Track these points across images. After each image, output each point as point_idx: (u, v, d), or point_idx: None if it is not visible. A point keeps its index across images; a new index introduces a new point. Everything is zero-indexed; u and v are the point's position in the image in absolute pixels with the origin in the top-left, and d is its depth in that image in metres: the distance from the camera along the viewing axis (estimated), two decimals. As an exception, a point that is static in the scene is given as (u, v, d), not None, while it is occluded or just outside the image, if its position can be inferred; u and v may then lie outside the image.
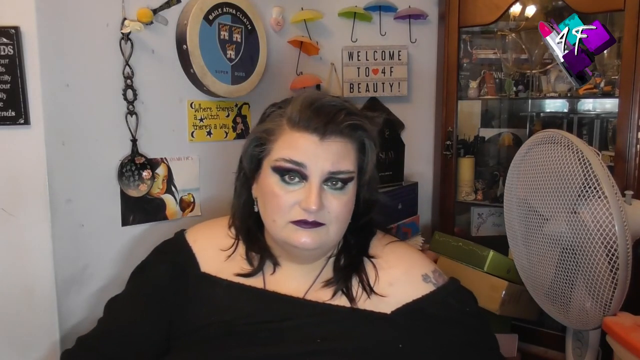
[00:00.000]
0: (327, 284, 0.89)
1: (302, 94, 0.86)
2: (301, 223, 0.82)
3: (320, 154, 0.81)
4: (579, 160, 1.24)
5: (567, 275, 1.31)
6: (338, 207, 0.83)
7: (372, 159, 0.88)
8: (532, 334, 1.72)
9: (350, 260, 0.91)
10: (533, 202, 1.40)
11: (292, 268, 0.92)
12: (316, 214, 0.81)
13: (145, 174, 1.33)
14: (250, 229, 0.93)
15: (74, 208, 1.22)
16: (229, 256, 0.95)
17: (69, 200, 1.21)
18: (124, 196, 1.30)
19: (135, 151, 1.32)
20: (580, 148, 1.24)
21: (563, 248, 1.30)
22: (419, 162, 2.04)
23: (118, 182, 1.29)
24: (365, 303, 0.88)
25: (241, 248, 0.95)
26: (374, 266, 0.90)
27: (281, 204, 0.82)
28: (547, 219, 1.35)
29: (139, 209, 1.34)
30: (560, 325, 1.46)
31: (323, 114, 0.81)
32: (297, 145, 0.82)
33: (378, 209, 0.95)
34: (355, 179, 0.86)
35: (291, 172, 0.82)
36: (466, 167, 1.99)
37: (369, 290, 0.88)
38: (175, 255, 0.98)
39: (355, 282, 0.89)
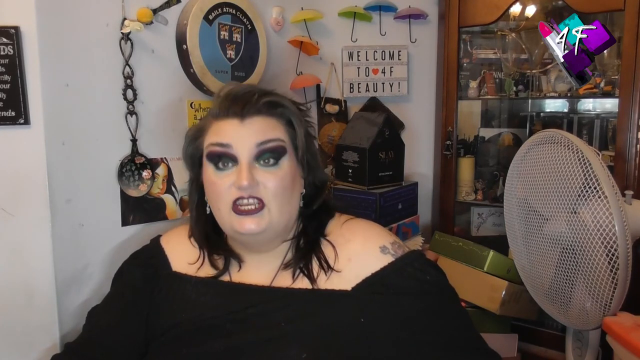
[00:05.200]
0: (287, 266, 0.91)
1: (221, 89, 0.91)
2: (239, 202, 0.83)
3: (243, 133, 0.85)
4: (579, 160, 1.24)
5: (567, 275, 1.31)
6: (273, 181, 0.85)
7: (302, 133, 0.90)
8: (532, 334, 1.72)
9: (307, 240, 0.92)
10: (533, 202, 1.40)
11: (256, 260, 0.94)
12: (251, 189, 0.83)
13: (145, 173, 1.33)
14: (208, 234, 0.96)
15: (74, 208, 1.22)
16: (199, 268, 0.97)
17: (69, 200, 1.21)
18: (124, 196, 1.30)
19: (135, 151, 1.32)
20: (580, 148, 1.24)
21: (563, 248, 1.30)
22: (419, 162, 2.04)
23: (118, 182, 1.29)
24: (326, 283, 0.88)
25: (207, 257, 0.98)
26: (332, 245, 0.91)
27: (219, 189, 0.85)
28: (547, 219, 1.35)
29: (139, 209, 1.34)
30: (560, 325, 1.46)
31: (239, 100, 0.86)
32: (221, 130, 0.86)
33: (329, 194, 0.97)
34: (290, 154, 0.88)
35: (222, 158, 0.85)
36: (466, 167, 1.99)
37: (326, 267, 0.89)
38: (148, 258, 1.02)
39: (315, 263, 0.90)
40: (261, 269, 0.93)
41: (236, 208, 0.84)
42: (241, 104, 0.86)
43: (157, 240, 1.06)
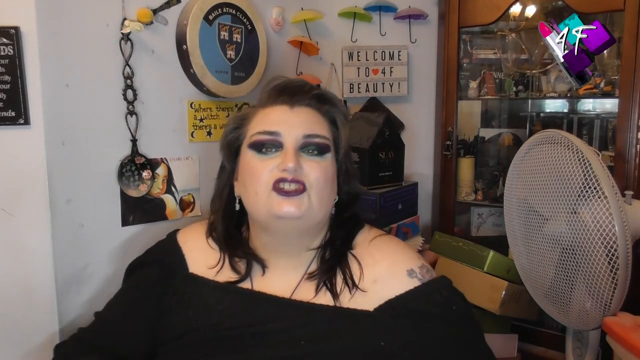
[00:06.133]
0: (311, 276, 0.88)
1: (268, 82, 0.92)
2: (281, 185, 0.81)
3: (292, 120, 0.85)
4: (579, 160, 1.24)
5: (567, 275, 1.31)
6: (317, 170, 0.83)
7: (345, 134, 0.90)
8: (532, 334, 1.72)
9: (334, 252, 0.89)
10: (533, 202, 1.40)
11: (280, 265, 0.91)
12: (294, 172, 0.81)
13: (145, 174, 1.33)
14: (232, 234, 0.93)
15: (74, 208, 1.22)
16: (218, 271, 0.94)
17: (69, 200, 1.21)
18: (123, 196, 1.30)
19: (135, 151, 1.32)
20: (580, 148, 1.24)
21: (563, 248, 1.30)
22: (419, 162, 2.04)
23: (118, 182, 1.29)
24: (349, 302, 0.86)
25: (227, 259, 0.94)
26: (358, 262, 0.89)
27: (259, 172, 0.83)
28: (547, 219, 1.35)
29: (138, 209, 1.34)
30: (560, 325, 1.46)
31: (289, 89, 0.88)
32: (269, 118, 0.86)
33: (362, 205, 0.95)
34: (332, 153, 0.88)
35: (267, 144, 0.84)
36: (466, 167, 1.99)
37: (351, 284, 0.86)
38: (164, 256, 0.99)
39: (339, 278, 0.87)
40: (284, 277, 0.90)
41: (277, 187, 0.81)
42: (292, 92, 0.87)
43: (174, 237, 1.02)
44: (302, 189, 0.82)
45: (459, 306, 0.87)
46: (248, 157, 0.86)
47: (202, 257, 0.96)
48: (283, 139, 0.83)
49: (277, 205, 0.81)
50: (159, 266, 0.97)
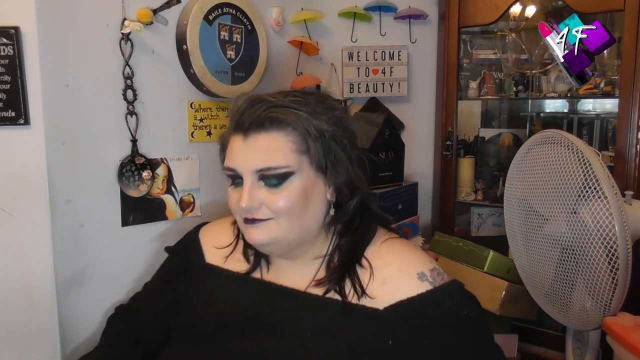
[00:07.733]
0: (320, 283, 0.88)
1: (239, 96, 0.88)
2: (246, 220, 0.84)
3: (245, 152, 0.82)
4: (579, 160, 1.24)
5: (567, 276, 1.31)
6: (278, 202, 0.81)
7: (317, 146, 0.83)
8: (532, 334, 1.72)
9: (341, 262, 0.89)
10: (533, 202, 1.41)
11: (287, 266, 0.92)
12: (253, 211, 0.82)
13: (145, 174, 1.33)
14: None
15: (74, 208, 1.22)
16: (227, 256, 0.99)
17: (69, 200, 1.21)
18: (124, 196, 1.30)
19: (135, 151, 1.32)
20: (580, 148, 1.24)
21: (563, 248, 1.30)
22: (419, 162, 2.04)
23: (118, 182, 1.29)
24: (359, 300, 0.85)
25: (241, 247, 0.99)
26: (370, 267, 0.87)
27: (232, 203, 0.86)
28: (547, 219, 1.35)
29: (138, 209, 1.34)
30: (560, 325, 1.46)
31: (247, 113, 0.82)
32: (230, 151, 0.85)
33: (374, 208, 0.94)
34: (300, 173, 0.82)
35: (233, 177, 0.86)
36: (466, 167, 1.99)
37: (360, 292, 0.85)
38: (186, 247, 1.06)
39: (348, 282, 0.87)
40: (292, 276, 0.91)
41: (246, 219, 0.85)
42: (248, 117, 0.82)
43: (196, 230, 1.08)
44: (266, 218, 0.83)
45: (470, 311, 0.85)
46: (228, 183, 0.88)
47: (220, 242, 1.01)
48: (240, 173, 0.83)
49: (248, 234, 0.85)
50: (181, 257, 1.05)
